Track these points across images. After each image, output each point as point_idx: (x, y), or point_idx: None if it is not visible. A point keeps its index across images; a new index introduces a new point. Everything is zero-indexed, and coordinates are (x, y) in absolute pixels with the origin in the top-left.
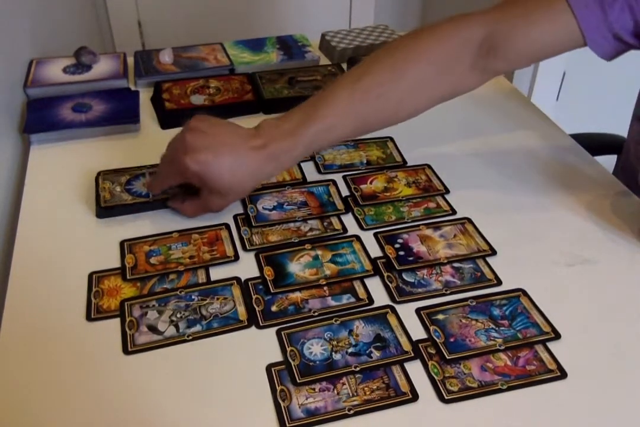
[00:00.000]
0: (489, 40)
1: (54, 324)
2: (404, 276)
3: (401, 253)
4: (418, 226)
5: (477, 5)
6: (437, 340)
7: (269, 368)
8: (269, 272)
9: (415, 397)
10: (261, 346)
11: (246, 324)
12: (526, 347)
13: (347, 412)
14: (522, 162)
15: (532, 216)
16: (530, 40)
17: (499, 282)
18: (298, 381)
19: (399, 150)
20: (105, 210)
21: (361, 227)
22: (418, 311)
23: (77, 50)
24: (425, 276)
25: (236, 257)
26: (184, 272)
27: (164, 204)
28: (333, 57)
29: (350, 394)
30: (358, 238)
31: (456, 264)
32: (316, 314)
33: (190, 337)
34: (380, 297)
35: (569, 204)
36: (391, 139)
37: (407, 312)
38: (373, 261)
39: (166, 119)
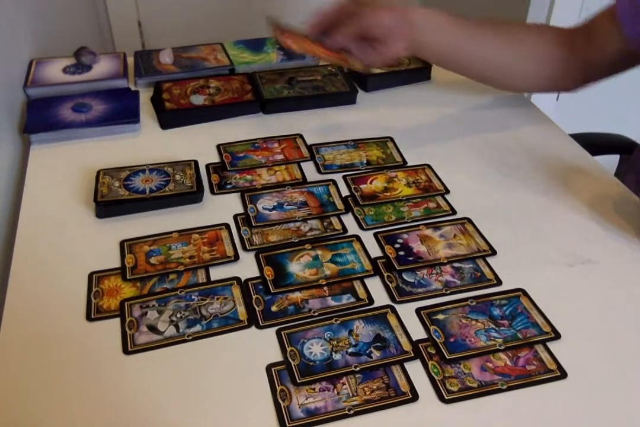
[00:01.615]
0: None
1: (54, 324)
2: (404, 275)
3: (401, 253)
4: (418, 225)
5: (477, 5)
6: (437, 340)
7: (269, 368)
8: (269, 272)
9: (415, 397)
10: (261, 346)
11: (246, 324)
12: (526, 347)
13: (347, 412)
14: (522, 162)
15: (532, 215)
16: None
17: (499, 282)
18: (298, 381)
19: (399, 150)
20: (104, 209)
21: (361, 227)
22: (418, 311)
23: (77, 50)
24: (425, 276)
25: (236, 257)
26: (184, 272)
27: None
28: None
29: (350, 394)
30: (358, 238)
31: (456, 264)
32: (316, 314)
33: (190, 337)
34: (380, 297)
35: (569, 203)
36: (391, 139)
37: (407, 312)
38: (373, 261)
39: (166, 119)
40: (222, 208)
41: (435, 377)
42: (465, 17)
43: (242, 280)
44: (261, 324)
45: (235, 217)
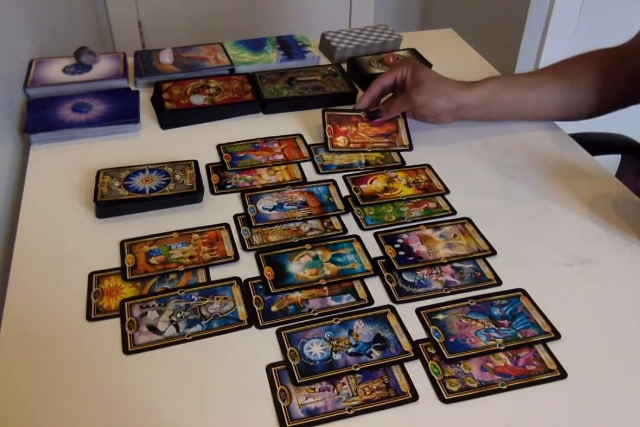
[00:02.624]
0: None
1: (54, 324)
2: (404, 275)
3: (401, 253)
4: (418, 225)
5: (477, 6)
6: (437, 340)
7: (269, 368)
8: (269, 272)
9: (415, 397)
10: (261, 346)
11: (246, 324)
12: (526, 347)
13: (347, 412)
14: (522, 162)
15: (532, 215)
16: None
17: (499, 282)
18: (298, 381)
19: (398, 150)
20: (104, 209)
21: (361, 227)
22: (418, 311)
23: (77, 50)
24: (425, 276)
25: (236, 257)
26: (184, 272)
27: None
28: (333, 57)
29: (350, 394)
30: (358, 238)
31: (456, 264)
32: (316, 314)
33: (190, 337)
34: (380, 297)
35: (569, 203)
36: None
37: (407, 312)
38: (373, 261)
39: (166, 119)
40: (222, 208)
41: (435, 377)
42: (513, 78)
43: (242, 280)
44: (261, 324)
45: (235, 217)
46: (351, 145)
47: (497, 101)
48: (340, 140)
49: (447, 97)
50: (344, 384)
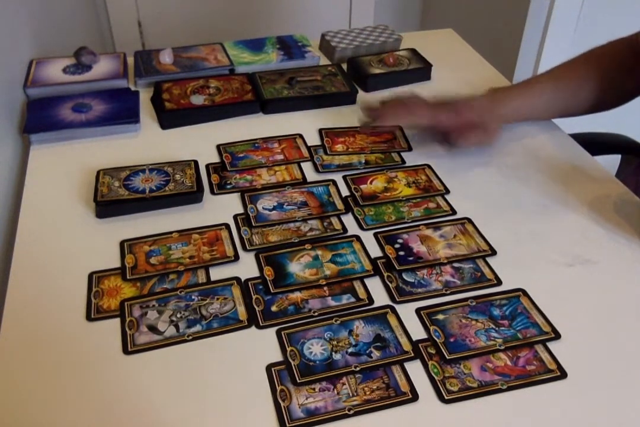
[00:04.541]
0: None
1: (54, 324)
2: (404, 276)
3: (401, 253)
4: (418, 226)
5: (477, 6)
6: (437, 340)
7: (269, 368)
8: (269, 272)
9: (415, 397)
10: (261, 346)
11: (246, 324)
12: (526, 347)
13: (347, 412)
14: (522, 162)
15: (532, 215)
16: None
17: (499, 282)
18: (298, 381)
19: (398, 150)
20: (104, 209)
21: (361, 227)
22: (418, 311)
23: (77, 50)
24: (425, 276)
25: (236, 257)
26: (184, 272)
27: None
28: (333, 57)
29: (350, 394)
30: (358, 238)
31: (456, 264)
32: (316, 314)
33: (190, 337)
34: (380, 297)
35: (569, 204)
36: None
37: (407, 312)
38: (373, 261)
39: (166, 119)
40: (222, 208)
41: (435, 377)
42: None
43: (242, 280)
44: (261, 324)
45: (235, 217)
46: (350, 150)
47: (493, 118)
48: (339, 147)
49: (486, 108)
50: (344, 384)
